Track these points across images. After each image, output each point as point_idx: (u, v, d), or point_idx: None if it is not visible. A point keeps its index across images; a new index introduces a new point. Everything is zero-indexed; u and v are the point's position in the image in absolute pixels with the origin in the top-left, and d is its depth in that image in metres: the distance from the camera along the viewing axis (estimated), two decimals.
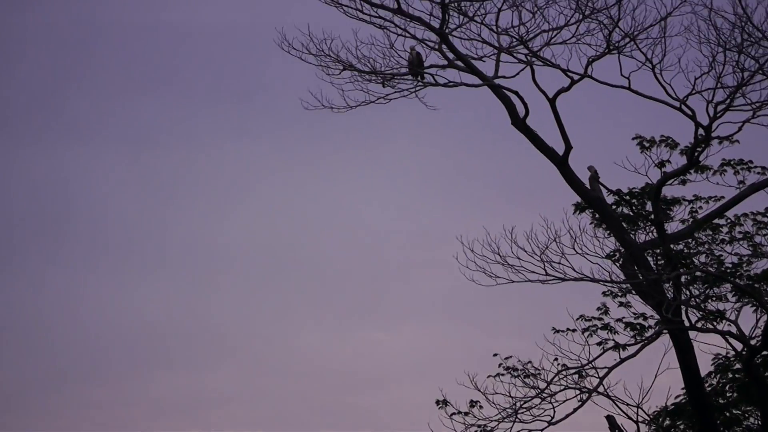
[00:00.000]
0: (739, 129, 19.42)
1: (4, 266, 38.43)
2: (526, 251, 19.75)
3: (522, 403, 19.48)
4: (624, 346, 20.88)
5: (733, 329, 20.31)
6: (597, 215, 21.25)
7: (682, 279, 20.73)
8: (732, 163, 21.28)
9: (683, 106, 19.15)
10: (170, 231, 39.44)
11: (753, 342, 20.08)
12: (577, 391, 19.66)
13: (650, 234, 21.44)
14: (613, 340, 21.50)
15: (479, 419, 19.75)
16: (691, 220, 21.65)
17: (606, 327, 21.80)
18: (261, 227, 38.93)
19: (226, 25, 43.52)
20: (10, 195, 40.22)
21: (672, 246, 21.05)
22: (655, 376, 20.68)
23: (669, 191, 21.49)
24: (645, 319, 21.74)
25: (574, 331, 21.08)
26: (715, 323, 20.69)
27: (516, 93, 19.41)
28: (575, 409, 19.33)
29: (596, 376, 19.67)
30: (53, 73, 42.98)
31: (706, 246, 21.99)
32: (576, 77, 19.33)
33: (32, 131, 41.71)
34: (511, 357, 20.83)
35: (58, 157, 40.98)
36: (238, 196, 40.36)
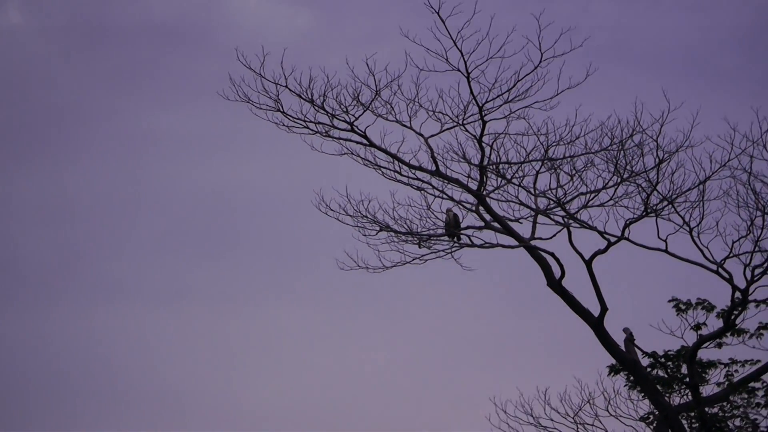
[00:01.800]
0: None
1: None
2: (559, 413, 19.72)
3: None
4: None
5: None
6: (631, 377, 21.16)
7: None
8: None
9: (720, 269, 19.14)
10: (206, 390, 39.12)
11: None
12: None
13: (685, 397, 21.35)
14: None
15: None
16: (726, 383, 21.55)
17: None
18: (295, 388, 38.67)
19: (265, 184, 44.12)
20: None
21: (707, 409, 20.90)
22: None
23: (705, 354, 21.49)
24: None
25: None
26: None
27: (552, 254, 19.43)
28: None
29: None
30: (99, 231, 43.41)
31: (741, 410, 21.84)
32: (613, 239, 19.34)
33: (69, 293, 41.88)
34: None
35: (100, 317, 40.93)
36: (275, 357, 40.21)
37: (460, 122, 19.34)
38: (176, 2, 48.48)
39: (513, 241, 19.67)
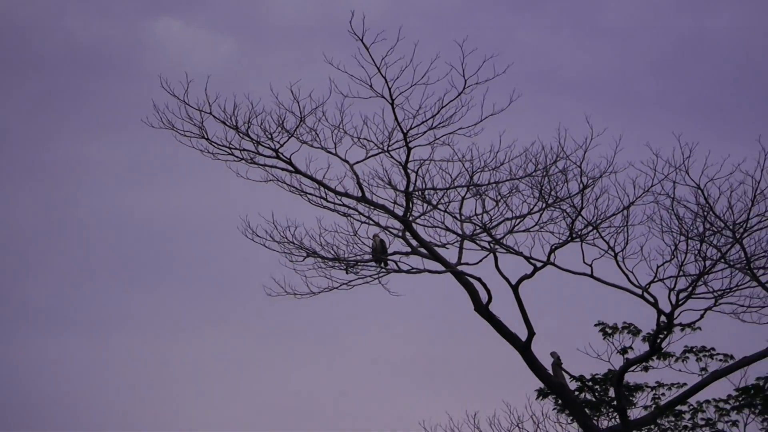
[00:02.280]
0: (701, 317, 19.39)
1: None
2: None
3: None
4: None
5: None
6: (560, 401, 21.23)
7: None
8: (694, 350, 21.45)
9: (645, 294, 19.20)
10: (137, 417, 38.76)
11: None
12: None
13: (613, 420, 21.44)
14: None
15: None
16: (653, 406, 21.69)
17: None
18: (226, 416, 38.40)
19: (192, 211, 43.83)
20: None
21: None
22: None
23: (632, 377, 21.56)
24: None
25: None
26: None
27: (479, 279, 19.42)
28: None
29: None
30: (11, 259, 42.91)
31: None
32: (539, 264, 19.37)
33: None
34: None
35: (18, 347, 40.46)
36: (204, 383, 39.93)
37: (385, 149, 19.32)
38: (98, 28, 48.01)
39: (440, 266, 19.67)
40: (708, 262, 19.01)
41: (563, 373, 20.47)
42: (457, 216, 19.87)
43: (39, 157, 45.39)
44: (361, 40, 18.29)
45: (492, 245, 19.63)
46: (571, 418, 21.01)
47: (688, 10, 47.97)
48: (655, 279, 19.16)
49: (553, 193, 19.43)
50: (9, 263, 42.98)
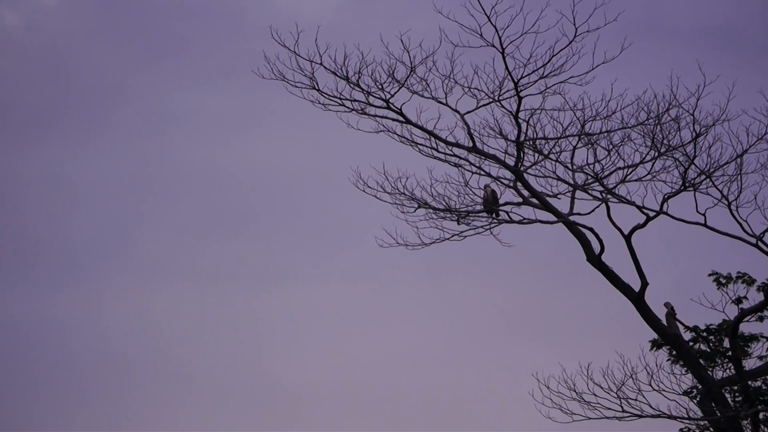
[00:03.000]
0: None
1: None
2: (602, 387, 19.64)
3: None
4: None
5: None
6: (674, 352, 21.08)
7: (761, 416, 20.43)
8: None
9: (760, 243, 19.05)
10: (247, 366, 39.29)
11: None
12: None
13: (728, 371, 21.22)
14: None
15: None
16: None
17: None
18: (335, 365, 38.76)
19: (302, 162, 44.14)
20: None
21: (750, 383, 20.78)
22: None
23: (746, 328, 21.35)
24: None
25: None
26: None
27: (591, 230, 19.39)
28: None
29: None
30: (126, 212, 43.64)
31: None
32: (651, 214, 19.30)
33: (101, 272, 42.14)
34: None
35: (133, 296, 41.17)
36: (314, 332, 40.29)
37: (496, 98, 19.33)
38: None
39: (551, 217, 19.65)
40: None
41: (677, 323, 20.38)
42: (569, 166, 19.84)
43: (148, 106, 46.05)
44: None
45: (604, 195, 19.57)
46: (685, 369, 20.85)
47: None
48: None
49: (665, 141, 19.32)
50: (118, 214, 43.78)
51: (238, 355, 38.66)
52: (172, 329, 39.69)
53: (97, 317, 39.66)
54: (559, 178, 19.87)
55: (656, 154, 19.42)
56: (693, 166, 19.25)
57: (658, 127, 19.23)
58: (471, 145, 19.64)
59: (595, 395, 19.67)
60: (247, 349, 38.98)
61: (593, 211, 19.66)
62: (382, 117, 19.78)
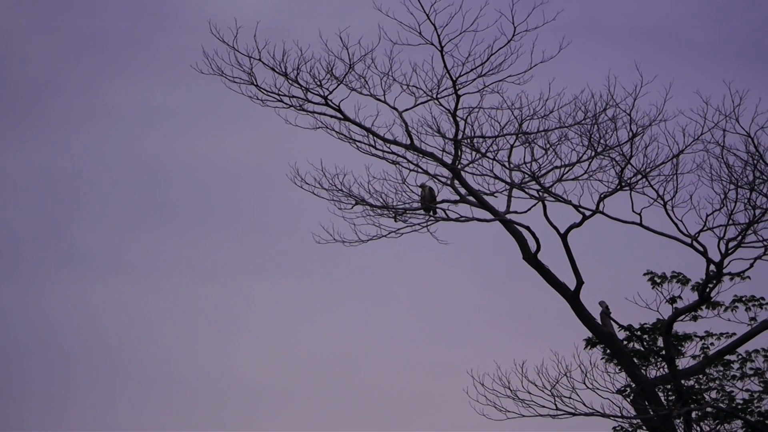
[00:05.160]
0: (751, 266, 19.45)
1: None
2: (536, 385, 19.71)
3: None
4: None
5: None
6: (608, 350, 21.16)
7: (693, 415, 20.60)
8: (743, 299, 21.28)
9: (695, 243, 19.21)
10: (196, 362, 39.08)
11: None
12: None
13: (661, 370, 21.34)
14: None
15: None
16: (702, 356, 21.57)
17: None
18: (269, 361, 38.64)
19: (239, 158, 43.91)
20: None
21: (683, 382, 20.93)
22: None
23: (680, 327, 21.46)
24: None
25: None
26: None
27: (528, 228, 19.46)
28: None
29: None
30: (56, 205, 43.18)
31: (717, 382, 21.84)
32: (588, 213, 19.40)
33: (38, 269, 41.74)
34: None
35: (67, 291, 40.83)
36: (247, 329, 40.13)
37: (434, 96, 19.34)
38: None
39: (488, 215, 19.68)
40: (758, 211, 18.97)
41: (612, 322, 20.47)
42: (506, 164, 19.87)
43: (87, 101, 45.52)
44: None
45: (541, 194, 19.64)
46: (619, 367, 20.93)
47: None
48: (705, 228, 19.18)
49: (602, 141, 19.40)
50: (63, 208, 43.34)
51: (185, 350, 38.58)
52: (111, 323, 39.41)
53: (31, 310, 39.36)
54: (496, 177, 19.91)
55: (593, 153, 19.50)
56: (629, 166, 19.35)
57: (595, 126, 19.32)
58: (409, 142, 19.63)
59: (530, 393, 19.73)
60: (195, 344, 38.87)
61: (530, 209, 19.71)
62: (320, 113, 19.72)
